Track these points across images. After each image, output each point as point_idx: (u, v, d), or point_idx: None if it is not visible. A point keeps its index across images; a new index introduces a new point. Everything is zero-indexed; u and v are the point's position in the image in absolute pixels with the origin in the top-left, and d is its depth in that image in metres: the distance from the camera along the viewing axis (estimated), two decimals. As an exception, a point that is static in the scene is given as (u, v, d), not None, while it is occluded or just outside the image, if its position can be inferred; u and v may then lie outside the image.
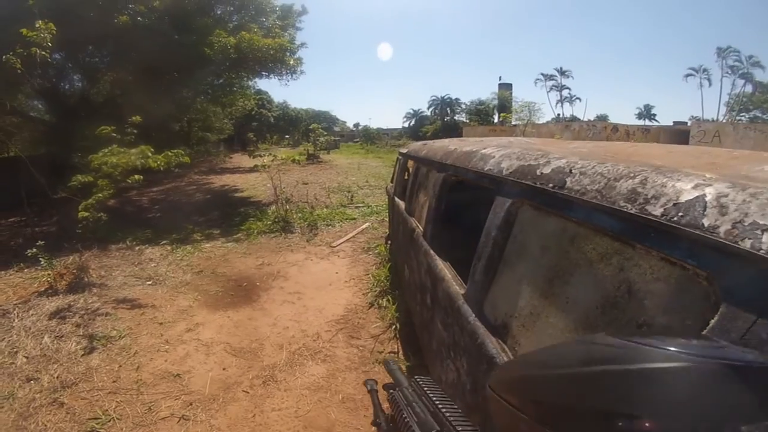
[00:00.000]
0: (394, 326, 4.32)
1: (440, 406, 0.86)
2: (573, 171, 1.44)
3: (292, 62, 15.58)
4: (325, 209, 10.34)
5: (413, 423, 0.86)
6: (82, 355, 4.06)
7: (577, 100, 74.69)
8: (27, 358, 4.04)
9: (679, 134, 22.14)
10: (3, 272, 6.51)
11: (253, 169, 14.45)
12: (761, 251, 0.77)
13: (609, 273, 1.21)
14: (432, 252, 2.81)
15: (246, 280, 5.92)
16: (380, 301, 4.93)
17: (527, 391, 0.63)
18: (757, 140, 17.73)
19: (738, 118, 47.47)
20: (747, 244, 0.80)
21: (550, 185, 1.49)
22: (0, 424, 3.15)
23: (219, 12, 14.50)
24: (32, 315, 4.93)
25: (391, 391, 1.04)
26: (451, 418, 0.81)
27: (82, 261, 6.18)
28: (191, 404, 3.34)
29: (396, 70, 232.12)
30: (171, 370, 3.78)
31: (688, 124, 23.53)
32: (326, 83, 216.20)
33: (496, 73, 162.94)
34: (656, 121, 67.56)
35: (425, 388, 0.95)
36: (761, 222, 0.79)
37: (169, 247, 7.51)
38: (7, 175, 11.88)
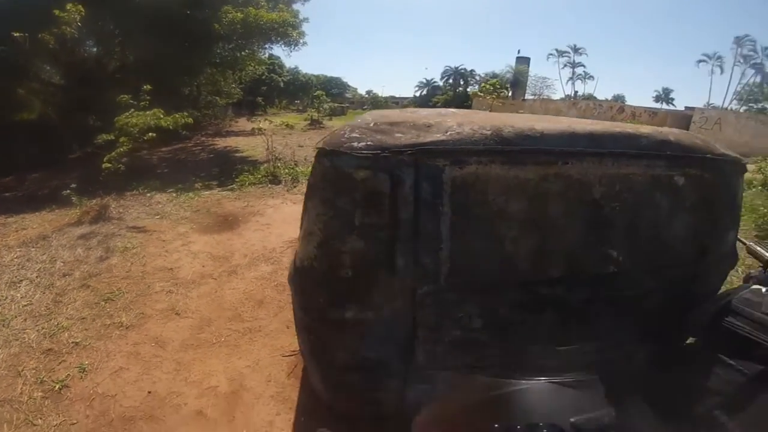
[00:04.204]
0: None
1: None
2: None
3: (295, 35, 16.67)
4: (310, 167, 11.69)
5: None
6: (105, 258, 5.67)
7: (590, 79, 73.69)
8: (63, 263, 5.56)
9: (685, 119, 22.86)
10: (38, 213, 8.08)
11: (256, 133, 15.76)
12: (353, 148, 1.90)
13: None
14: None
15: (231, 216, 7.53)
16: (327, 230, 6.44)
17: None
18: (757, 129, 18.90)
19: (745, 108, 47.23)
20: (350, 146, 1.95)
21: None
22: (42, 302, 4.63)
23: (229, -15, 15.22)
24: (66, 237, 6.46)
25: None
26: None
27: (104, 202, 7.76)
28: (176, 284, 4.98)
29: (412, 39, 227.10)
30: (167, 266, 5.43)
31: (699, 110, 24.42)
32: (340, 49, 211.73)
33: (514, 47, 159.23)
34: (673, 105, 66.43)
35: None
36: (357, 137, 2.00)
37: (174, 194, 9.02)
38: (26, 139, 13.20)
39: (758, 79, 57.49)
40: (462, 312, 2.13)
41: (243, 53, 18.06)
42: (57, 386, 3.34)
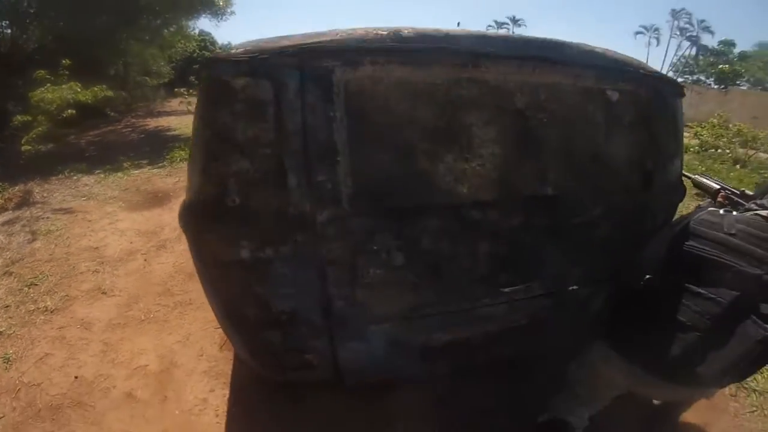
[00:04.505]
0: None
1: None
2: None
3: (221, 3, 16.12)
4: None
5: None
6: (28, 242, 5.34)
7: (529, 51, 74.96)
8: (-14, 253, 5.36)
9: (618, 88, 23.88)
10: (-42, 206, 7.69)
11: (186, 108, 15.28)
12: (230, 54, 1.71)
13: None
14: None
15: (162, 192, 7.22)
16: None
17: None
18: (692, 99, 19.83)
19: (681, 79, 49.23)
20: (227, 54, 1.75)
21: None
22: (-36, 295, 4.36)
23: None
24: (-13, 227, 6.22)
25: None
26: None
27: (27, 187, 7.41)
28: (103, 263, 4.71)
29: (349, 6, 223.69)
30: (92, 245, 5.14)
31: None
32: (273, 19, 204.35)
33: (453, 19, 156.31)
34: (615, 77, 68.42)
35: None
36: (239, 46, 1.77)
37: (102, 175, 8.52)
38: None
39: (693, 51, 60.68)
40: (377, 245, 1.88)
41: (170, 29, 17.23)
42: (-18, 380, 3.17)
